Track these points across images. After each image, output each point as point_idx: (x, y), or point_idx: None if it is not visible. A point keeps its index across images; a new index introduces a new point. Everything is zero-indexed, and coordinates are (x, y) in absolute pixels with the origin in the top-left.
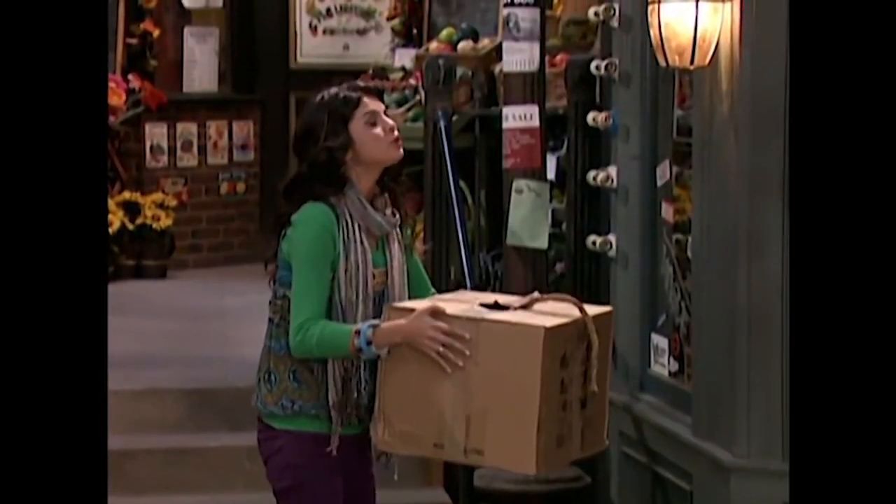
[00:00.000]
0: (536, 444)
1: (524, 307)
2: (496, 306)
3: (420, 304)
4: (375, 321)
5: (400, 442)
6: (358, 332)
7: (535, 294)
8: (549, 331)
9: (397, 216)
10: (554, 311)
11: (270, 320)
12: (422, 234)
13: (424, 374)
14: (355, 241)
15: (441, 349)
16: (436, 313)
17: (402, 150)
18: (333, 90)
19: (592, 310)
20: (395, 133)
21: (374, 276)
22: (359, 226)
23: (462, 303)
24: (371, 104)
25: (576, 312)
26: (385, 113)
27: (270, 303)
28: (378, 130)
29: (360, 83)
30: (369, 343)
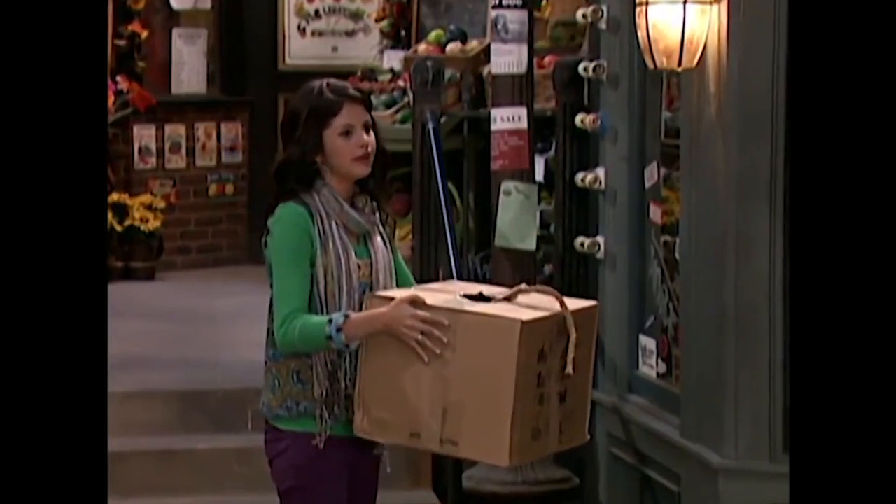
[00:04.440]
0: (510, 438)
1: (507, 299)
2: (480, 297)
3: (401, 293)
4: (350, 311)
5: (377, 429)
6: (331, 321)
7: (522, 286)
8: (526, 324)
9: (377, 214)
10: (536, 305)
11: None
12: (409, 237)
13: (403, 363)
14: (332, 236)
15: (419, 337)
16: (415, 302)
17: (368, 168)
18: (323, 84)
19: (576, 304)
20: (367, 150)
21: (358, 266)
22: (336, 222)
23: (446, 293)
24: (350, 116)
25: (557, 306)
26: (367, 126)
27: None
28: (349, 144)
29: (349, 89)
30: (339, 331)
